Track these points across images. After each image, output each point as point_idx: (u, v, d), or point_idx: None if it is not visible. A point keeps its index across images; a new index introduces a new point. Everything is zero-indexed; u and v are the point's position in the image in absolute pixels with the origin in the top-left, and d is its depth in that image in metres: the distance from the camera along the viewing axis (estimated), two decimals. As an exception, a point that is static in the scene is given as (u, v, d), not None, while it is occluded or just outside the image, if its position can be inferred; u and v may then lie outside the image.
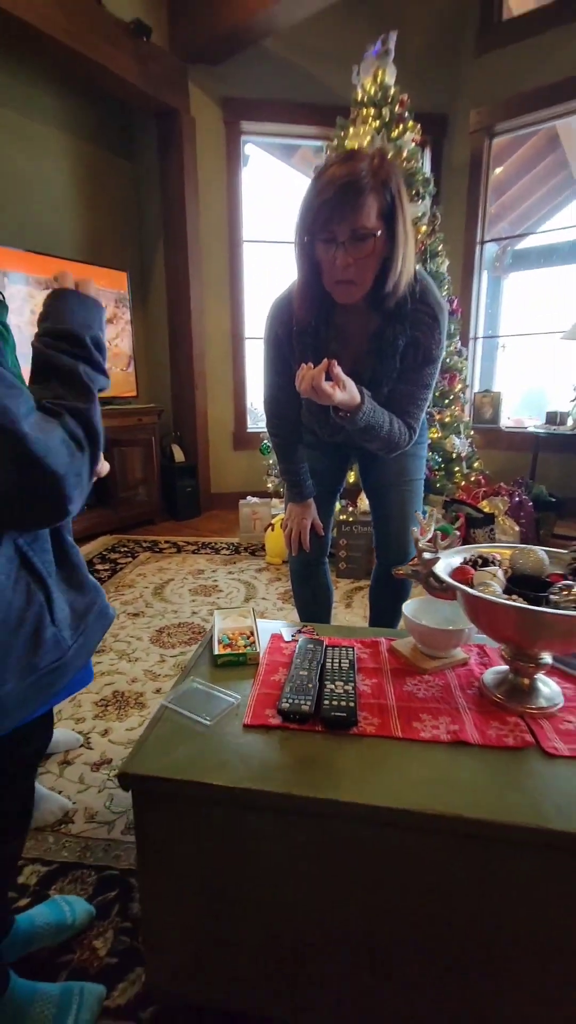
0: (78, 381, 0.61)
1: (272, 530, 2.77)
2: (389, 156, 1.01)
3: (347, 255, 0.97)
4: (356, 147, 2.36)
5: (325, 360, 0.96)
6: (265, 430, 3.07)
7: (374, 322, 1.11)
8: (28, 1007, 0.75)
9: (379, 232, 0.97)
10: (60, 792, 1.21)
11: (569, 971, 0.63)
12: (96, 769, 1.30)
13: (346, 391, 0.99)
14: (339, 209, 0.94)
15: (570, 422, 3.11)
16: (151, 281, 3.64)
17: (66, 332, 0.63)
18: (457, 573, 0.79)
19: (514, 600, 0.70)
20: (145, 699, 1.57)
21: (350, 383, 1.00)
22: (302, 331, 1.14)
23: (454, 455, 2.84)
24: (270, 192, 4.17)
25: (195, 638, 1.96)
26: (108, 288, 3.07)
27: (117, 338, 3.15)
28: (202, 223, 3.42)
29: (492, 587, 0.74)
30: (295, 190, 4.39)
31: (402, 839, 0.63)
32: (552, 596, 0.72)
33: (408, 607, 0.93)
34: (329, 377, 0.96)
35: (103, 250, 3.31)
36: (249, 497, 3.13)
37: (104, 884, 1.00)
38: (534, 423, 3.40)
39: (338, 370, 0.97)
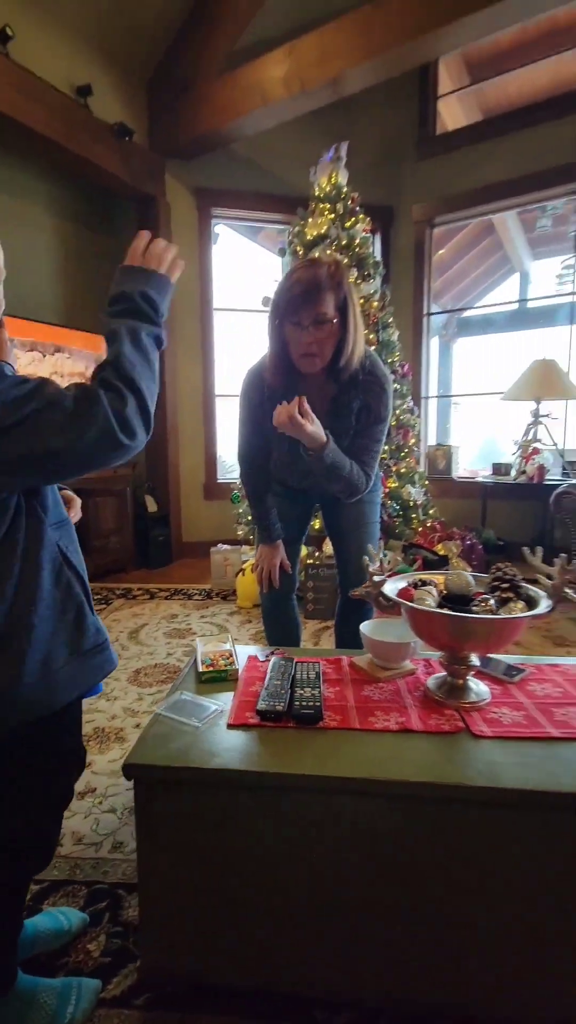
0: (114, 337, 0.73)
1: (243, 575, 2.91)
2: (343, 247, 1.28)
3: (310, 335, 1.23)
4: (316, 255, 2.74)
5: (297, 397, 1.19)
6: (236, 480, 3.27)
7: (332, 389, 1.36)
8: (33, 998, 0.83)
9: (335, 320, 1.23)
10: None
11: (495, 907, 0.77)
12: (81, 798, 1.37)
13: (315, 426, 1.21)
14: (304, 301, 1.21)
15: (513, 473, 3.42)
16: (127, 344, 3.88)
17: (114, 295, 0.76)
18: (401, 593, 0.97)
19: (445, 611, 0.88)
20: (125, 733, 1.65)
21: (317, 422, 1.21)
22: (273, 395, 1.36)
23: (411, 503, 3.09)
24: (238, 266, 4.58)
25: (171, 677, 2.05)
26: (86, 350, 3.29)
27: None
28: (176, 293, 3.73)
29: (428, 602, 0.92)
30: (260, 265, 4.82)
31: (359, 804, 0.77)
32: (474, 608, 0.91)
33: (365, 626, 1.10)
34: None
35: (83, 316, 3.56)
36: (220, 544, 3.28)
37: (95, 896, 1.07)
38: (484, 474, 3.72)
39: (307, 407, 1.19)
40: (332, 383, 1.34)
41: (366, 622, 1.12)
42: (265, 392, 1.37)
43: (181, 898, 0.83)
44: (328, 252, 2.86)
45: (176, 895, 0.83)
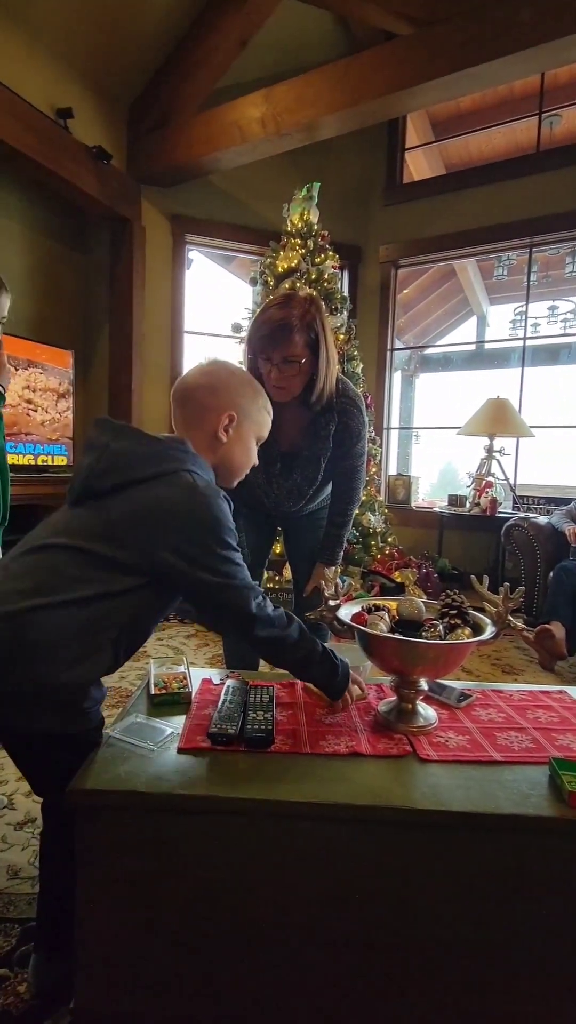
0: None
1: (202, 597, 2.88)
2: (312, 281, 1.35)
3: (279, 372, 1.29)
4: (290, 288, 2.84)
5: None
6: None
7: (306, 415, 1.41)
8: None
9: (304, 360, 1.28)
10: (-16, 850, 1.22)
11: (442, 927, 0.78)
12: (19, 828, 1.31)
13: (332, 577, 1.12)
14: (273, 342, 1.26)
15: (468, 505, 3.56)
16: (93, 362, 3.87)
17: None
18: (355, 617, 1.00)
19: (395, 635, 0.91)
20: (71, 759, 1.59)
21: (328, 575, 1.12)
22: None
23: (371, 530, 3.16)
24: (210, 291, 4.66)
25: (122, 701, 1.99)
26: (57, 366, 3.27)
27: (68, 411, 3.33)
28: (146, 314, 3.76)
29: (380, 627, 0.94)
30: (232, 291, 4.92)
31: (308, 828, 0.77)
32: (424, 633, 0.94)
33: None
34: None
35: (51, 330, 3.53)
36: (180, 565, 3.24)
37: (28, 935, 1.02)
38: (441, 504, 3.85)
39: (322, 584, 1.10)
40: (305, 410, 1.40)
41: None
42: None
43: (121, 934, 0.80)
44: (299, 286, 2.96)
45: (115, 931, 0.80)
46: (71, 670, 0.81)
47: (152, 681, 1.10)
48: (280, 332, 1.25)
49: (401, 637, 0.90)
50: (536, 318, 4.77)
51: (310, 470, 1.44)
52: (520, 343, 3.99)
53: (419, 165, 4.35)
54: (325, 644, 0.97)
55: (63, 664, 0.80)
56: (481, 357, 5.32)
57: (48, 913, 0.92)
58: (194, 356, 4.07)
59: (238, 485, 1.50)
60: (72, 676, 0.81)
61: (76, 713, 0.84)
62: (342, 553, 1.58)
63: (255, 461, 1.06)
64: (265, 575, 2.63)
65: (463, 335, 6.28)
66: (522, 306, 4.24)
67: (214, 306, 4.68)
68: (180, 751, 0.87)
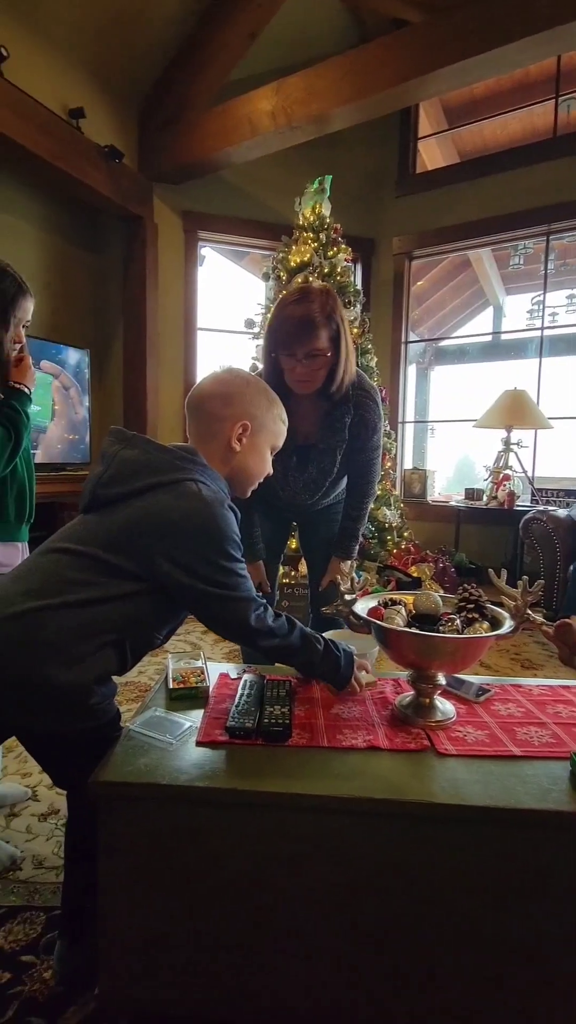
0: None
1: (218, 593, 2.90)
2: (325, 275, 1.34)
3: (303, 366, 1.29)
4: (307, 281, 2.83)
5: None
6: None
7: (322, 407, 1.41)
8: None
9: (328, 353, 1.29)
10: (8, 842, 1.24)
11: (460, 921, 0.78)
12: (43, 820, 1.34)
13: (348, 571, 1.12)
14: (298, 338, 1.27)
15: (485, 498, 3.51)
16: (109, 360, 3.90)
17: None
18: (371, 612, 1.00)
19: (412, 630, 0.90)
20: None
21: (342, 572, 1.11)
22: None
23: (386, 525, 3.14)
24: (223, 287, 4.66)
25: (141, 696, 2.02)
26: (72, 363, 3.30)
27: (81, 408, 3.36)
28: (160, 312, 3.77)
29: (396, 621, 0.94)
30: (245, 287, 4.92)
31: (325, 821, 0.78)
32: (441, 627, 0.94)
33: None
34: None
35: (66, 329, 3.56)
36: (196, 561, 3.26)
37: (53, 923, 1.04)
38: (458, 498, 3.81)
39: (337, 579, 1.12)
40: (323, 402, 1.40)
41: (323, 635, 1.14)
42: None
43: (142, 923, 0.82)
44: (312, 279, 2.95)
45: (137, 919, 0.82)
46: (70, 670, 0.82)
47: (170, 676, 1.11)
48: (305, 328, 1.26)
49: (418, 631, 0.89)
50: (554, 307, 4.68)
51: (326, 462, 1.44)
52: (538, 333, 3.92)
53: (432, 154, 4.28)
54: (326, 638, 0.98)
55: (63, 664, 0.82)
56: (498, 348, 5.23)
57: (72, 902, 0.94)
58: (208, 352, 4.08)
59: (269, 480, 1.50)
60: (71, 676, 0.82)
61: (82, 711, 0.85)
62: (358, 547, 1.57)
63: (270, 471, 1.07)
64: (280, 570, 2.63)
65: (479, 326, 6.19)
66: (539, 295, 4.16)
67: (227, 302, 4.68)
68: (198, 744, 0.88)
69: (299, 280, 2.97)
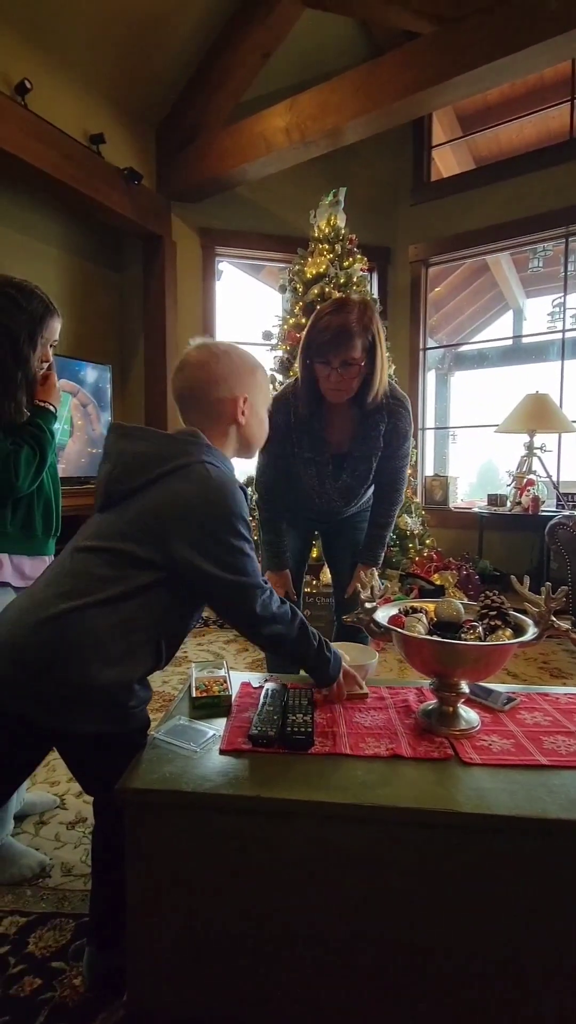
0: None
1: (240, 602, 2.91)
2: (341, 285, 1.36)
3: (339, 376, 1.31)
4: (319, 292, 2.85)
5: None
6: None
7: (356, 415, 1.43)
8: None
9: (363, 363, 1.31)
10: (37, 850, 1.27)
11: (485, 932, 0.77)
12: (71, 827, 1.36)
13: (368, 580, 1.12)
14: (334, 347, 1.29)
15: (508, 504, 3.47)
16: (130, 374, 3.99)
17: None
18: (393, 620, 1.00)
19: (434, 637, 0.90)
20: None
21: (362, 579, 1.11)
22: (300, 421, 1.44)
23: (408, 533, 3.12)
24: (240, 300, 4.74)
25: (165, 706, 2.04)
26: (91, 380, 3.38)
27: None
28: (179, 326, 3.85)
29: (418, 629, 0.94)
30: (262, 299, 4.98)
31: (348, 829, 0.77)
32: (463, 635, 0.93)
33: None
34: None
35: (88, 347, 3.66)
36: (218, 571, 3.29)
37: (82, 929, 1.06)
38: (481, 504, 3.76)
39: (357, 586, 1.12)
40: (356, 410, 1.42)
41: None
42: (292, 416, 1.45)
43: (170, 929, 0.83)
44: (329, 290, 2.97)
45: (165, 926, 0.83)
46: (111, 669, 0.84)
47: (193, 685, 1.12)
48: (341, 337, 1.28)
49: (439, 639, 0.89)
50: None
51: (361, 469, 1.46)
52: (559, 335, 3.87)
53: (447, 162, 4.29)
54: (320, 636, 1.01)
55: (103, 664, 0.84)
56: (518, 352, 5.18)
57: (100, 908, 0.96)
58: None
59: (286, 491, 1.52)
60: (112, 675, 0.84)
61: (122, 713, 0.87)
62: (384, 554, 1.58)
63: (267, 430, 1.11)
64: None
65: (499, 330, 6.14)
66: (560, 297, 4.11)
67: (245, 315, 4.75)
68: (222, 752, 0.89)
69: (315, 291, 3.01)
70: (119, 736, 0.89)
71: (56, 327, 1.24)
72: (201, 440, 0.94)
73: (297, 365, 1.42)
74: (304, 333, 1.37)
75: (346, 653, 1.13)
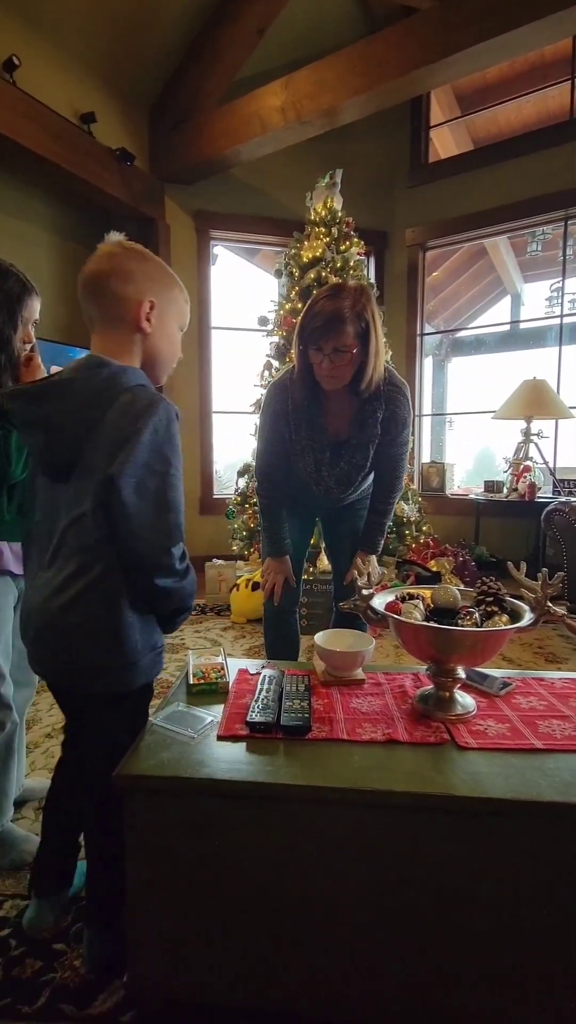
0: None
1: (237, 590, 2.92)
2: (338, 270, 1.34)
3: (330, 362, 1.30)
4: (315, 277, 2.81)
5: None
6: (231, 495, 3.30)
7: (354, 402, 1.42)
8: None
9: (355, 349, 1.29)
10: (37, 835, 1.27)
11: (482, 914, 0.78)
12: (70, 813, 1.37)
13: (365, 567, 1.18)
14: (325, 334, 1.27)
15: (505, 490, 3.47)
16: (125, 361, 3.95)
17: None
18: (389, 606, 1.00)
19: (431, 624, 0.90)
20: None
21: (368, 566, 1.19)
22: (297, 408, 1.43)
23: (405, 520, 3.12)
24: (236, 285, 4.68)
25: (163, 693, 2.04)
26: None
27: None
28: (174, 312, 3.80)
29: (415, 615, 0.94)
30: (257, 284, 4.92)
31: (345, 814, 0.78)
32: (460, 621, 0.93)
33: (319, 637, 1.12)
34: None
35: (80, 332, 3.61)
36: (215, 559, 3.29)
37: (81, 912, 1.07)
38: (477, 491, 3.76)
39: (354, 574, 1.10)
40: (354, 397, 1.41)
41: (320, 632, 1.15)
42: (289, 403, 1.44)
43: (169, 911, 0.84)
44: (325, 275, 2.93)
45: (164, 908, 0.84)
46: (122, 639, 0.85)
47: (191, 671, 1.13)
48: (332, 323, 1.27)
49: (435, 625, 0.89)
50: (574, 293, 4.58)
51: (358, 457, 1.45)
52: (557, 321, 3.85)
53: (445, 142, 4.22)
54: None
55: (109, 637, 0.85)
56: (516, 337, 5.15)
57: (98, 890, 0.97)
58: (222, 350, 4.10)
59: (286, 478, 1.51)
60: (123, 645, 0.86)
61: (128, 671, 0.88)
62: (383, 541, 1.58)
63: (180, 354, 0.99)
64: (299, 567, 2.64)
65: (496, 316, 6.09)
66: (559, 282, 4.08)
67: (240, 300, 4.70)
68: (220, 738, 0.90)
69: (311, 276, 2.97)
70: (122, 697, 0.91)
71: (35, 306, 1.17)
72: (110, 364, 0.85)
73: (293, 352, 1.41)
74: (299, 319, 1.35)
75: (343, 639, 1.14)
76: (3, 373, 1.13)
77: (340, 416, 1.44)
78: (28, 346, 1.19)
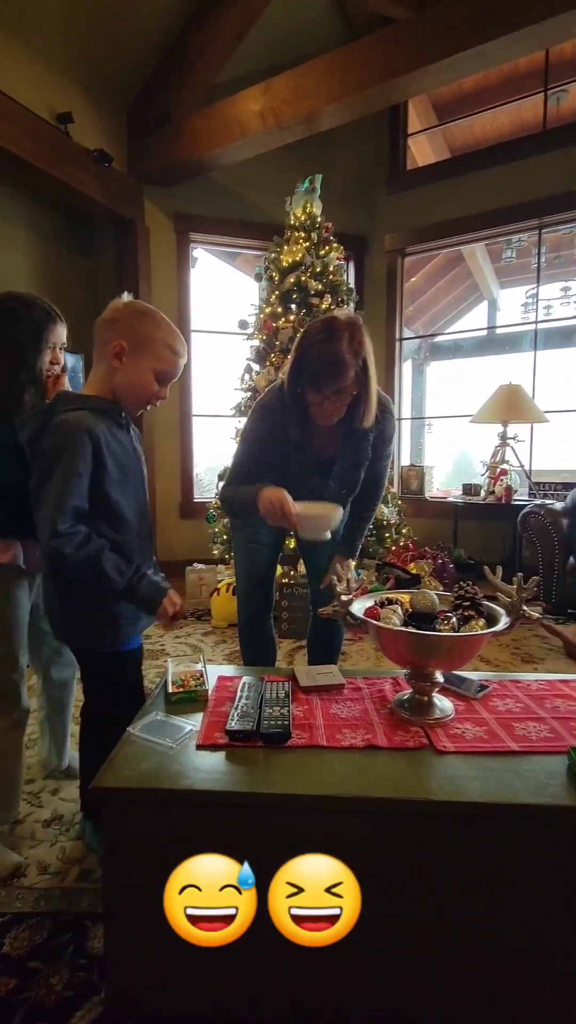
0: None
1: (218, 595, 2.90)
2: (317, 274, 1.33)
3: (330, 403, 1.29)
4: (295, 281, 2.78)
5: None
6: (212, 499, 3.28)
7: (343, 429, 1.39)
8: None
9: (355, 391, 1.29)
10: (12, 849, 1.25)
11: (462, 917, 0.79)
12: (47, 825, 1.34)
13: (344, 572, 1.11)
14: (327, 378, 1.25)
15: (483, 493, 3.52)
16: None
17: None
18: (368, 612, 1.00)
19: (409, 629, 0.91)
20: (95, 757, 1.62)
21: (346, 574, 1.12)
22: (288, 436, 1.38)
23: (384, 523, 3.15)
24: (216, 288, 4.66)
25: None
26: (64, 370, 3.30)
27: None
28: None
29: (393, 620, 0.95)
30: (238, 287, 4.91)
31: (326, 821, 0.78)
32: (437, 626, 0.94)
33: (298, 504, 1.24)
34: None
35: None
36: (195, 564, 3.27)
37: (59, 928, 1.05)
38: (456, 494, 3.81)
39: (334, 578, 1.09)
40: (344, 425, 1.37)
41: (299, 502, 1.24)
42: (278, 429, 1.39)
43: (148, 926, 0.82)
44: (305, 279, 2.94)
45: (143, 923, 0.82)
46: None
47: (170, 680, 1.12)
48: (333, 368, 1.24)
49: (413, 630, 0.90)
50: (548, 300, 4.68)
51: (349, 478, 1.44)
52: (532, 326, 3.92)
53: (423, 150, 4.28)
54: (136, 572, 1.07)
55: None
56: (493, 342, 5.23)
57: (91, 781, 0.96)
58: (203, 354, 4.08)
59: (289, 476, 1.47)
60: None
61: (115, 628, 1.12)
62: (361, 545, 1.58)
63: (156, 391, 1.12)
64: (280, 570, 2.64)
65: (474, 321, 6.18)
66: (533, 288, 4.16)
67: (221, 303, 4.68)
68: (199, 747, 0.89)
69: (291, 280, 2.97)
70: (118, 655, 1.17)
71: (61, 332, 1.29)
72: (68, 394, 1.12)
73: (284, 383, 1.36)
74: (292, 358, 1.31)
75: (316, 507, 1.25)
76: (26, 391, 1.23)
77: (326, 434, 1.42)
78: (57, 368, 1.30)
